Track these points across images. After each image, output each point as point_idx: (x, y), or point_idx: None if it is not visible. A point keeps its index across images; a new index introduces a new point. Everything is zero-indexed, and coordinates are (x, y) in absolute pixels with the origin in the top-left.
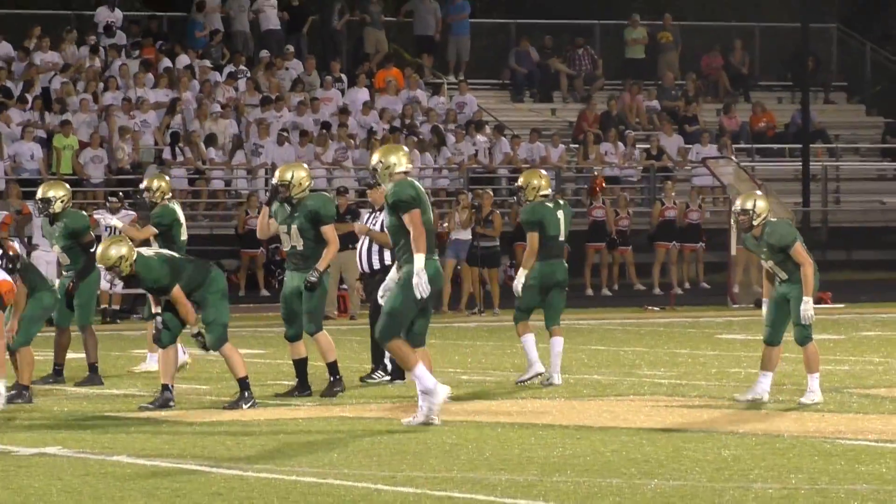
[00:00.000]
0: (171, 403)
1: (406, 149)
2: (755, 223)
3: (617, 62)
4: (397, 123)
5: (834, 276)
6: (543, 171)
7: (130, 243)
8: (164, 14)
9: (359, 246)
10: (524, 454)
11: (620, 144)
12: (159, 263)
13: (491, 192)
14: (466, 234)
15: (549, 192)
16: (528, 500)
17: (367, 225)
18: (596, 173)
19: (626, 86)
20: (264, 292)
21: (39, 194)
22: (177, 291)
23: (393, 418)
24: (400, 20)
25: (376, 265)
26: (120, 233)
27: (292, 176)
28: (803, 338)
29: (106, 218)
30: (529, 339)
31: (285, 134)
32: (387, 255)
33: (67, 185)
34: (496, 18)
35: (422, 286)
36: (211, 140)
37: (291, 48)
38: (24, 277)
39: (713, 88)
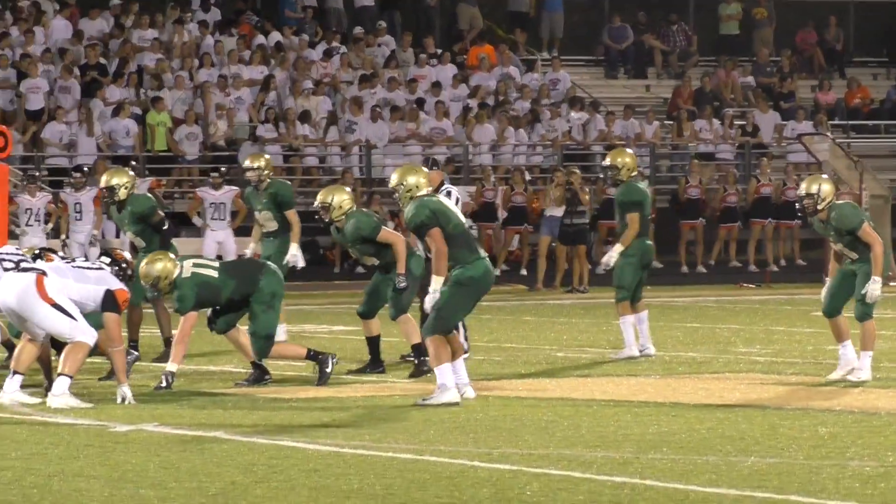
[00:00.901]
0: (267, 377)
1: (425, 169)
2: (820, 207)
3: (711, 38)
4: (490, 100)
5: None
6: (630, 150)
7: (173, 259)
8: None
9: None
10: (620, 431)
11: (715, 121)
12: (191, 289)
13: (578, 171)
14: (559, 212)
15: (637, 171)
16: (624, 478)
17: None
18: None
19: (721, 62)
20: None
21: (102, 183)
22: (191, 318)
23: (488, 395)
24: None
25: None
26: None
27: (332, 199)
28: (863, 314)
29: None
30: (628, 321)
31: (379, 110)
32: None
33: (130, 171)
34: None
35: (429, 303)
36: (305, 117)
37: (384, 24)
38: None
39: (808, 65)
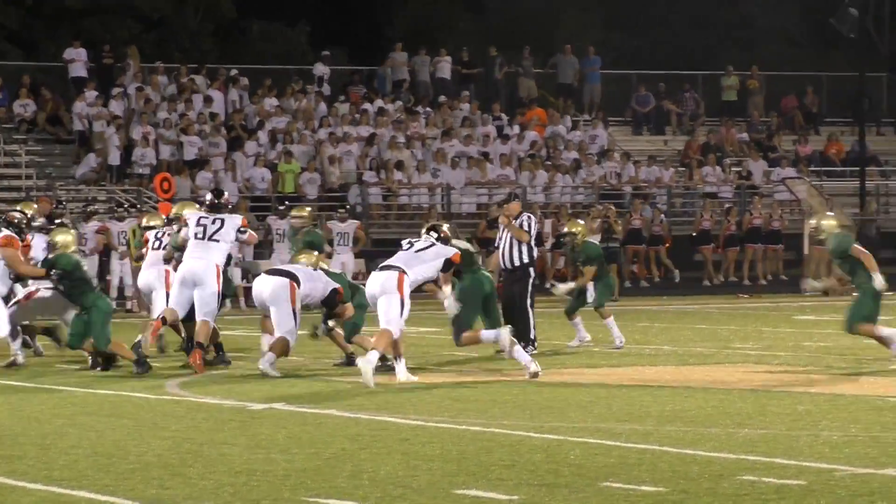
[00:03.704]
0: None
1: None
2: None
3: (715, 103)
4: (543, 152)
5: (886, 269)
6: (581, 221)
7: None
8: (364, 67)
9: (501, 246)
10: (643, 409)
11: (718, 168)
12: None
13: (612, 207)
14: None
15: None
16: (646, 445)
17: (509, 222)
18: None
19: (723, 122)
20: None
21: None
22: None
23: (541, 380)
24: (546, 71)
25: (517, 262)
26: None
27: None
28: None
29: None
30: (613, 321)
31: (457, 160)
32: (525, 255)
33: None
34: (621, 70)
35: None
36: (400, 165)
37: (466, 93)
38: None
39: (790, 124)
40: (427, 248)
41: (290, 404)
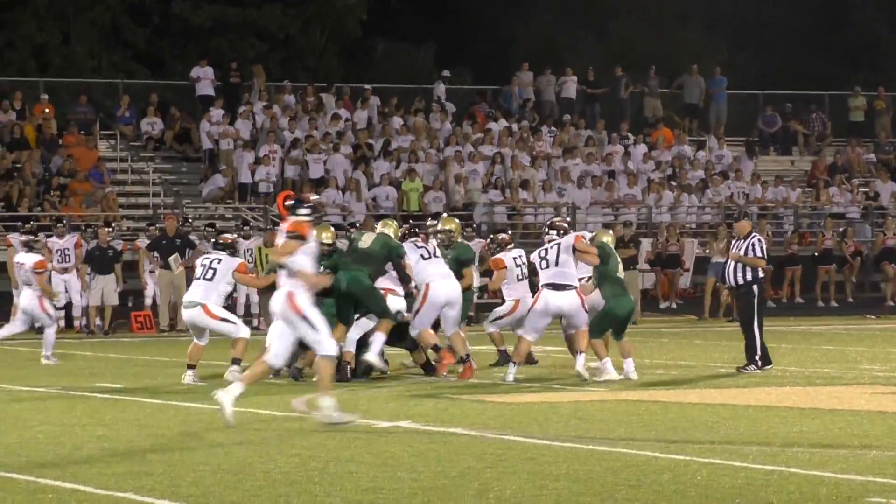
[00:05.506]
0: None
1: (333, 228)
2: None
3: (842, 123)
4: (669, 172)
5: None
6: (456, 220)
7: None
8: (487, 87)
9: (728, 264)
10: (770, 430)
11: (844, 188)
12: None
13: None
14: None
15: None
16: (773, 466)
17: (736, 251)
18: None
19: (850, 142)
20: None
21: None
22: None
23: (667, 401)
24: (672, 91)
25: (741, 280)
26: None
27: None
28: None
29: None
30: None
31: (583, 179)
32: (749, 272)
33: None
34: (748, 90)
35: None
36: (525, 184)
37: (622, 124)
38: None
39: None
40: None
41: (415, 422)
